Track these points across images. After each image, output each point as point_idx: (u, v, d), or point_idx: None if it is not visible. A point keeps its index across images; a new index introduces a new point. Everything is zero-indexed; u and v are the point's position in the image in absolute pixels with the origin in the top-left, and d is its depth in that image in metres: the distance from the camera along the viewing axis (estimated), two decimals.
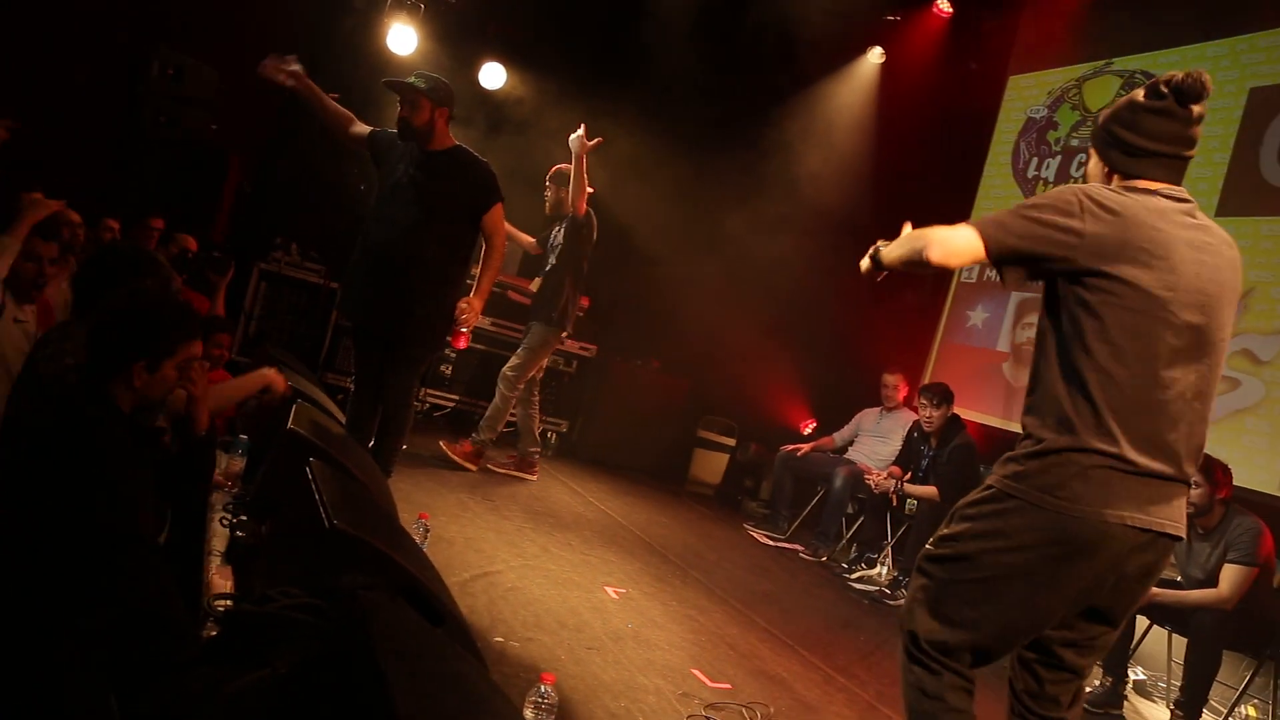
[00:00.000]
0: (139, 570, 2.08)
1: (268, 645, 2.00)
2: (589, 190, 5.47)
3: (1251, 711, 4.66)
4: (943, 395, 5.50)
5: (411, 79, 4.13)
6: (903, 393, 6.33)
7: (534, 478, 5.72)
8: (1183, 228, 2.06)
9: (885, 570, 5.64)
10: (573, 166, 5.36)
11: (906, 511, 5.57)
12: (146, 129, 5.74)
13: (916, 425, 5.76)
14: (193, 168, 6.05)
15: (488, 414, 5.57)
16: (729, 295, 7.13)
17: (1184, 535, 2.07)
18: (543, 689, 2.32)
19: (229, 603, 2.41)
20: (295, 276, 6.59)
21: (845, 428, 6.60)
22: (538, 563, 4.08)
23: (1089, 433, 2.02)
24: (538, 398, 5.86)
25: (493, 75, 7.11)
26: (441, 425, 6.69)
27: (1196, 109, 2.09)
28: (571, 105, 6.84)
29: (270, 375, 3.33)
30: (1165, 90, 2.09)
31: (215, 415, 4.13)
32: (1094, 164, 2.25)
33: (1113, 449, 1.99)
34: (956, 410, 5.68)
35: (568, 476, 6.27)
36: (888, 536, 5.74)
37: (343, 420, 4.43)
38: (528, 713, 2.31)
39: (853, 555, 5.92)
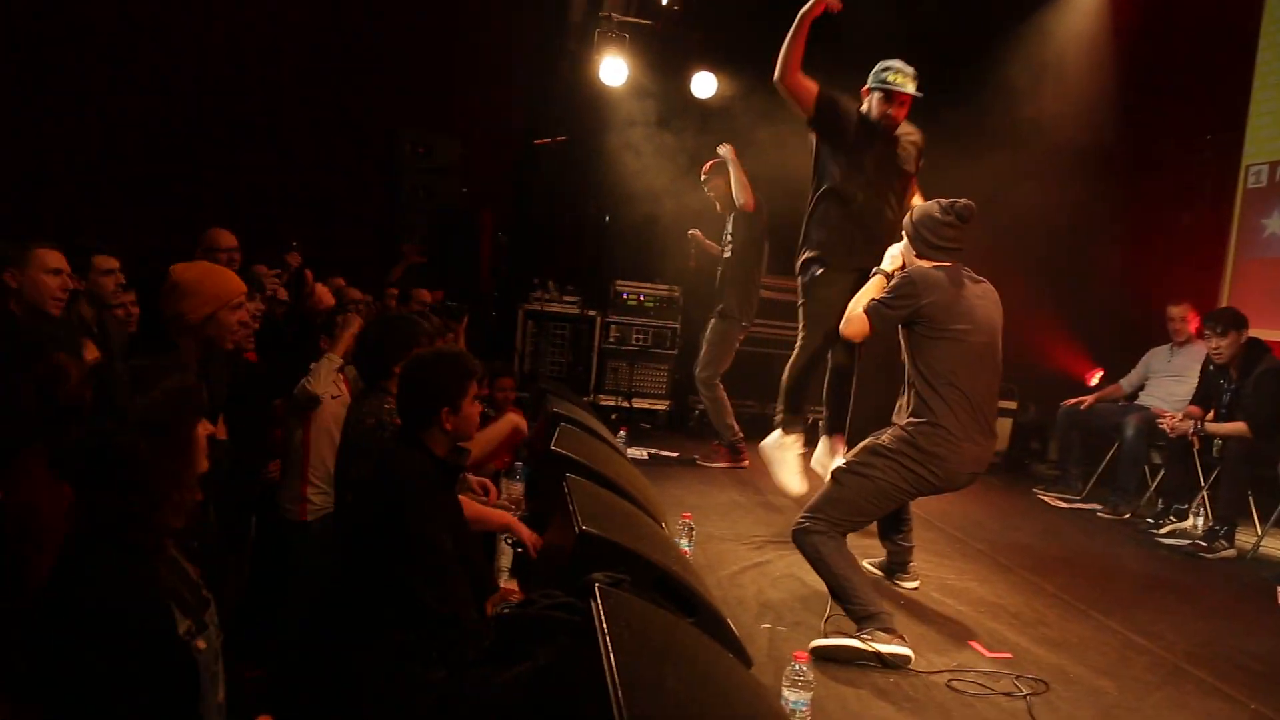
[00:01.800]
0: (447, 583, 2.41)
1: (532, 641, 2.27)
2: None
3: None
4: (1229, 321, 4.95)
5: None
6: (1193, 324, 5.76)
7: (744, 464, 5.77)
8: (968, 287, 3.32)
9: (1199, 521, 5.15)
10: (731, 171, 5.68)
11: (1215, 454, 5.06)
12: (407, 203, 6.46)
13: (1211, 360, 5.22)
14: (451, 229, 6.71)
15: (713, 419, 5.87)
16: (982, 253, 6.79)
17: None
18: (797, 667, 2.41)
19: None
20: (556, 310, 7.12)
21: (1133, 371, 6.10)
22: None
23: None
24: (720, 386, 5.89)
25: (704, 84, 7.28)
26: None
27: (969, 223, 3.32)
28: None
29: (513, 419, 3.67)
30: (951, 212, 3.31)
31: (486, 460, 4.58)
32: (906, 246, 3.48)
33: None
34: (1262, 331, 5.10)
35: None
36: (1200, 483, 5.24)
37: (611, 438, 4.74)
38: (786, 691, 2.41)
39: (1159, 509, 5.45)
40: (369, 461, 2.75)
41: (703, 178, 5.95)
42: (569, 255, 7.34)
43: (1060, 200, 6.77)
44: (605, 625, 1.71)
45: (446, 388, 2.55)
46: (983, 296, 3.31)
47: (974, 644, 3.21)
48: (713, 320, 5.86)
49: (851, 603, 3.03)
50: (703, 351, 5.85)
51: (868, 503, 3.20)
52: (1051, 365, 7.21)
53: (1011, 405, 7.05)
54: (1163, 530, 5.19)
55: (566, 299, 7.14)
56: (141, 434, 1.62)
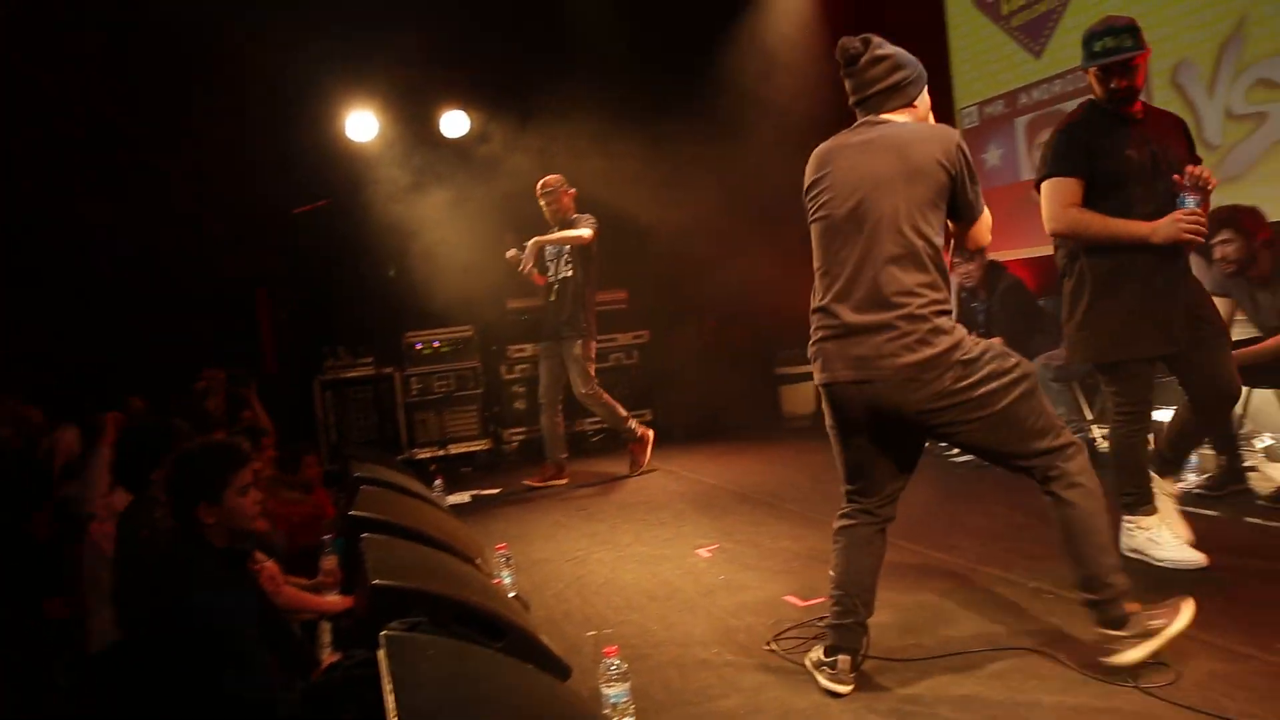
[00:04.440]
0: (255, 671, 2.35)
1: (339, 705, 2.27)
2: (572, 209, 5.90)
3: None
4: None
5: (1107, 43, 3.14)
6: (946, 258, 6.24)
7: (564, 480, 6.02)
8: (848, 145, 2.60)
9: None
10: (555, 239, 5.84)
11: None
12: None
13: (962, 284, 5.70)
14: (223, 315, 6.48)
15: (611, 424, 6.07)
16: (752, 238, 7.16)
17: (871, 376, 2.48)
18: (607, 662, 2.49)
19: None
20: (353, 376, 7.00)
21: None
22: (630, 550, 4.27)
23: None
24: (560, 407, 6.08)
25: (455, 123, 7.36)
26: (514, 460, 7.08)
27: (861, 63, 2.60)
28: (532, 120, 7.08)
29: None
30: (838, 57, 2.65)
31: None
32: None
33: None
34: (999, 253, 5.60)
35: (661, 460, 6.42)
36: None
37: (422, 490, 4.71)
38: (603, 688, 2.49)
39: None
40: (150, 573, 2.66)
41: (545, 192, 5.88)
42: (356, 317, 7.22)
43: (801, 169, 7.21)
44: (388, 667, 1.75)
45: (197, 483, 2.51)
46: (869, 146, 2.54)
47: (789, 598, 3.39)
48: (568, 342, 5.87)
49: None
50: (572, 374, 5.90)
51: None
52: None
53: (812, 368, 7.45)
54: (952, 450, 5.59)
55: (361, 362, 7.04)
56: None
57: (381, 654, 1.86)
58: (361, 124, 7.07)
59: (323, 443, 6.76)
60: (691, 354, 7.43)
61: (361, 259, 7.19)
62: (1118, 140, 3.19)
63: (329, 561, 4.03)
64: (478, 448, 7.17)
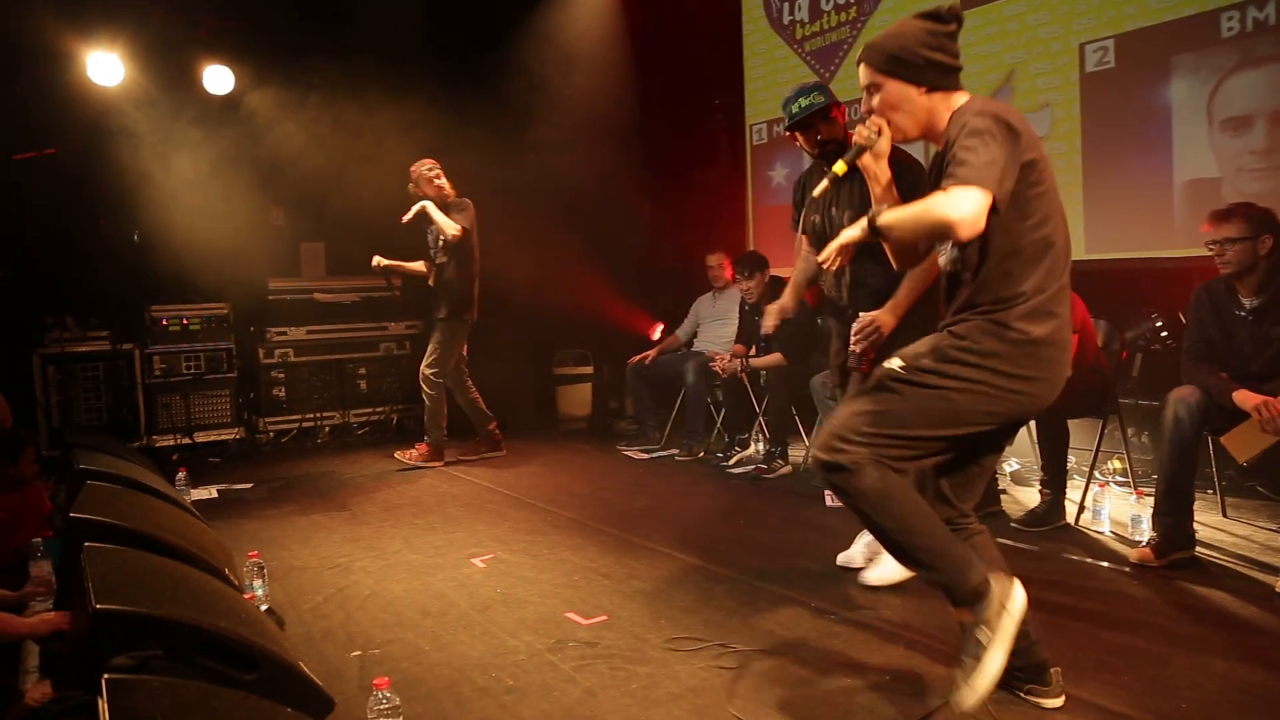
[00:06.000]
0: None
1: None
2: (448, 194, 5.74)
3: (1117, 464, 4.93)
4: (753, 264, 5.51)
5: (801, 103, 3.32)
6: (729, 271, 6.34)
7: (502, 452, 6.09)
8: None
9: (760, 446, 5.71)
10: (433, 216, 5.67)
11: (761, 384, 5.62)
12: None
13: (744, 299, 5.78)
14: None
15: (427, 417, 5.83)
16: (535, 234, 6.97)
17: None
18: (377, 694, 2.23)
19: None
20: (82, 350, 6.16)
21: (685, 321, 6.60)
22: (399, 558, 3.96)
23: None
24: (469, 380, 6.02)
25: (219, 78, 6.68)
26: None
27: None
28: (306, 89, 6.56)
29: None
30: (947, 15, 2.26)
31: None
32: (899, 89, 2.28)
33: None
34: (783, 270, 5.71)
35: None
36: (755, 412, 5.79)
37: (162, 485, 4.16)
38: None
39: (726, 442, 5.96)
40: None
41: (412, 181, 5.73)
42: (88, 285, 6.36)
43: (602, 172, 7.14)
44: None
45: None
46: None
47: (571, 615, 3.22)
48: (441, 323, 5.81)
49: (940, 570, 2.17)
50: (430, 349, 5.81)
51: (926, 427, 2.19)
52: (619, 327, 7.61)
53: (588, 370, 7.36)
54: (731, 461, 5.67)
55: (94, 335, 6.21)
56: None
57: (102, 703, 1.53)
58: (106, 66, 6.24)
59: (42, 426, 5.90)
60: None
61: (100, 218, 6.36)
62: (811, 197, 3.42)
63: (40, 568, 3.47)
64: (228, 437, 6.52)
